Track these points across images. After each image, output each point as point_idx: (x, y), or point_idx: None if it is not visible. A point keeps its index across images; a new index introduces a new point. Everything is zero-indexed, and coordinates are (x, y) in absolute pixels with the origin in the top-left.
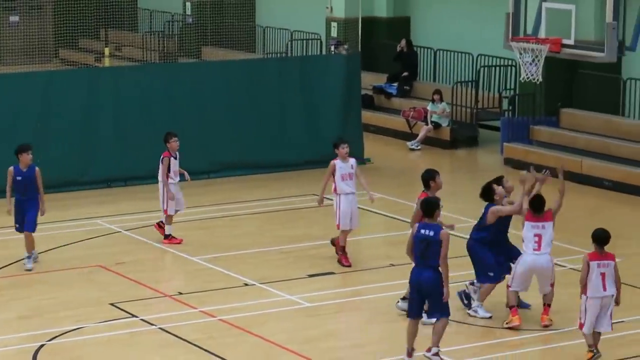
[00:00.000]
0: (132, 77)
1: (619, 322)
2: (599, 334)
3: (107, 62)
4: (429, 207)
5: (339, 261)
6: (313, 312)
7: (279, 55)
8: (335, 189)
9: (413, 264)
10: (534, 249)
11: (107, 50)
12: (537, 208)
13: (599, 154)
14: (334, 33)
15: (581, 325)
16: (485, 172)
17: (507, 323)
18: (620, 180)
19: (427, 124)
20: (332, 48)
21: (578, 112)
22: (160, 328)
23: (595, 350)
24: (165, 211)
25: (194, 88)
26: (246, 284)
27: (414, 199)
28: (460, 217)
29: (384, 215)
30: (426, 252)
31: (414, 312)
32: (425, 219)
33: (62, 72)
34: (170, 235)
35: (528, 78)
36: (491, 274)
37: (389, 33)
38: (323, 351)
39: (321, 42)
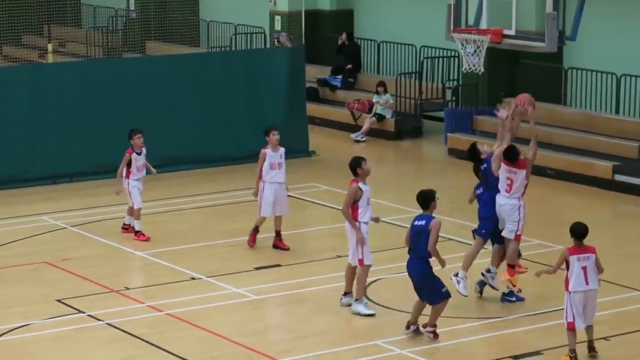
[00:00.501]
0: (76, 73)
1: (561, 308)
2: (591, 327)
3: (50, 58)
4: (425, 200)
5: (250, 241)
6: (259, 305)
7: (223, 49)
8: (261, 177)
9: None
10: (506, 190)
11: (50, 47)
12: (510, 158)
13: (541, 143)
14: (277, 26)
15: (570, 325)
16: (430, 163)
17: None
18: (563, 168)
19: (371, 116)
20: (275, 42)
21: None
22: (107, 323)
23: (574, 357)
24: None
25: (139, 83)
26: (193, 278)
27: None
28: (404, 207)
29: (330, 207)
30: (417, 242)
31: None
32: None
33: (5, 68)
34: (139, 231)
35: (470, 69)
36: (483, 231)
37: (333, 26)
38: (269, 343)
39: (265, 36)
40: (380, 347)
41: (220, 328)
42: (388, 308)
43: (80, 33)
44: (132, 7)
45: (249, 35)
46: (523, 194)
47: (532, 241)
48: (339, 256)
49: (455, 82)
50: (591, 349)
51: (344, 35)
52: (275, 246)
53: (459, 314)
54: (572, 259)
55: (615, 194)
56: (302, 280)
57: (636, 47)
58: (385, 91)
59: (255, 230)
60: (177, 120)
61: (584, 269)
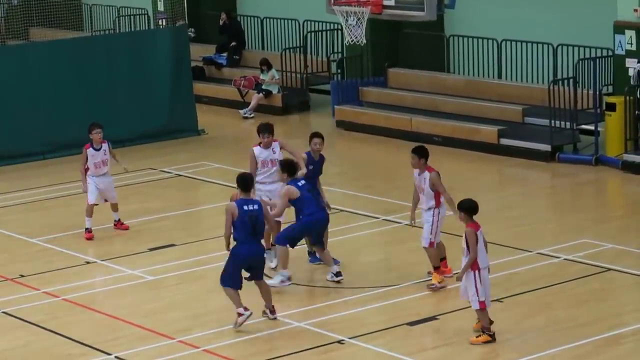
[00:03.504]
0: None
1: (455, 273)
2: None
3: None
4: (245, 183)
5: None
6: (156, 285)
7: (106, 32)
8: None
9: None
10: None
11: None
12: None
13: (427, 110)
14: (160, 7)
15: (482, 304)
16: None
17: None
18: (448, 135)
19: (258, 92)
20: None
21: (404, 71)
22: (3, 312)
23: (493, 334)
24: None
25: (24, 70)
26: (87, 262)
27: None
28: None
29: (221, 184)
30: (255, 226)
31: (237, 283)
32: (242, 194)
33: None
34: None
35: (353, 41)
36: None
37: (215, 4)
38: (166, 323)
39: (148, 17)
40: (278, 320)
41: (117, 310)
42: None
43: None
44: None
45: (132, 17)
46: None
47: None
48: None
49: (339, 55)
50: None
51: (223, 15)
52: None
53: (351, 284)
54: (480, 234)
55: (501, 158)
56: (197, 258)
57: (515, 11)
58: (270, 67)
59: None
60: (64, 106)
61: (484, 243)
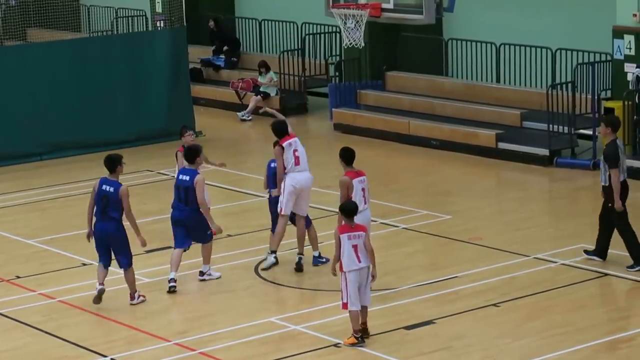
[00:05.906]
0: None
1: (453, 277)
2: (365, 308)
3: None
4: (112, 163)
5: None
6: (153, 287)
7: (104, 33)
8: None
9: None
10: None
11: None
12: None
13: (424, 114)
14: (158, 8)
15: (345, 305)
16: (316, 138)
17: None
18: (446, 138)
19: (256, 94)
20: (158, 23)
21: (402, 74)
22: None
23: (359, 337)
24: None
25: (21, 70)
26: (84, 264)
27: (247, 168)
28: None
29: (219, 187)
30: (107, 207)
31: (103, 259)
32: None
33: None
34: None
35: (351, 44)
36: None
37: (214, 5)
38: (163, 325)
39: (146, 18)
40: (274, 323)
41: (112, 312)
42: (280, 285)
43: None
44: None
45: (130, 18)
46: None
47: (420, 212)
48: (230, 235)
49: (337, 58)
50: (364, 330)
51: (211, 22)
52: None
53: None
54: (343, 237)
55: (499, 162)
56: (194, 260)
57: (513, 16)
58: (268, 70)
59: None
60: (62, 107)
61: (355, 247)
